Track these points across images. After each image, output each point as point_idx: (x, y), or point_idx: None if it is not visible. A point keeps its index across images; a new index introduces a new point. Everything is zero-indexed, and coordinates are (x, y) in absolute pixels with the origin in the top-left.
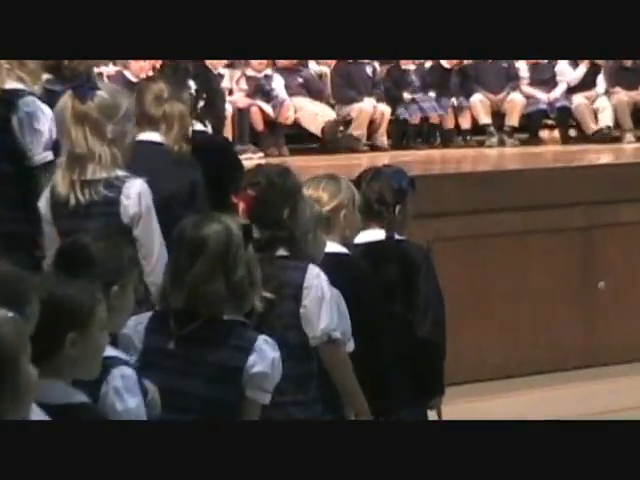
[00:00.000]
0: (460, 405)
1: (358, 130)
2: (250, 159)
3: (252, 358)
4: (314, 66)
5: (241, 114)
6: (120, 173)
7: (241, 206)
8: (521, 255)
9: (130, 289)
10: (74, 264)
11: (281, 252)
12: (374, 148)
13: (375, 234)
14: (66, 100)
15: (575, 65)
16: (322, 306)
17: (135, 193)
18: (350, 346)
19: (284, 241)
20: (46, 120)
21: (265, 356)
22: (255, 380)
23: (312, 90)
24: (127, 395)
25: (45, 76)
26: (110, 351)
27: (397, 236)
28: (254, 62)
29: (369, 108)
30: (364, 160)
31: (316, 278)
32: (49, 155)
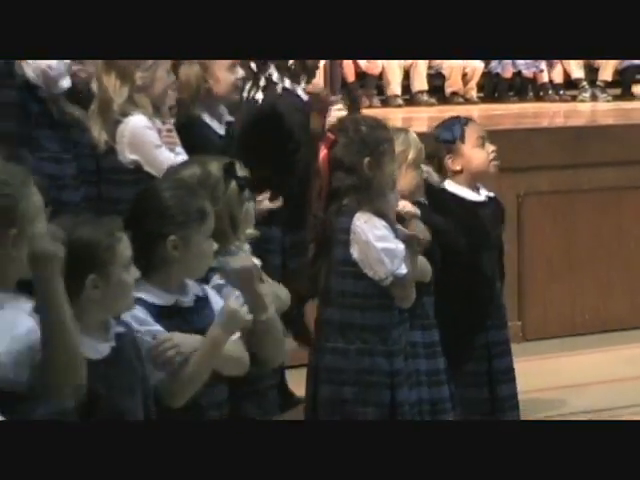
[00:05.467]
0: (549, 359)
1: (453, 86)
2: (341, 110)
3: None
4: None
5: (333, 65)
6: (132, 115)
7: (322, 151)
8: (613, 210)
9: (197, 241)
10: (139, 210)
11: (347, 201)
12: (466, 101)
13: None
14: None
15: None
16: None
17: (128, 129)
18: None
19: (355, 189)
20: None
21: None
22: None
23: None
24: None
25: None
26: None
27: (454, 186)
28: None
29: (460, 62)
30: (455, 113)
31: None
32: None
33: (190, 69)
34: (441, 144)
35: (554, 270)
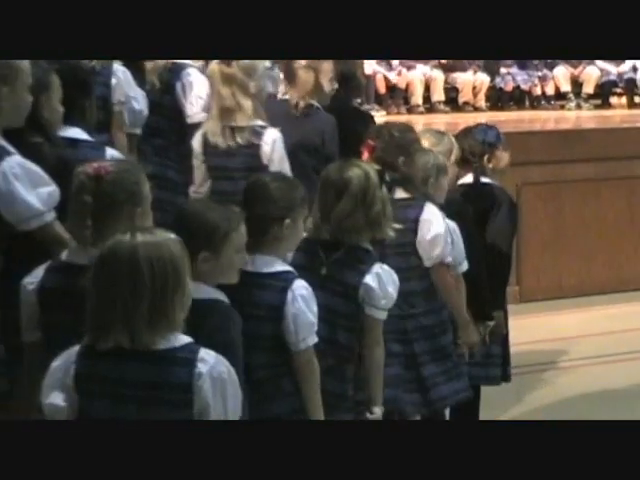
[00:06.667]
0: (541, 317)
1: (465, 97)
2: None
3: (368, 278)
4: None
5: (368, 80)
6: (260, 122)
7: (365, 154)
8: (594, 198)
9: (299, 223)
10: (254, 198)
11: (399, 194)
12: (476, 109)
13: (469, 178)
14: (214, 66)
15: None
16: (435, 237)
17: (272, 139)
18: (463, 267)
19: (400, 183)
20: (204, 87)
21: (378, 278)
22: (368, 297)
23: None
24: (312, 303)
25: None
26: (285, 267)
27: (486, 180)
28: None
29: (471, 78)
30: (466, 119)
31: (432, 214)
32: (204, 115)
33: (308, 74)
34: (485, 146)
35: (545, 245)
